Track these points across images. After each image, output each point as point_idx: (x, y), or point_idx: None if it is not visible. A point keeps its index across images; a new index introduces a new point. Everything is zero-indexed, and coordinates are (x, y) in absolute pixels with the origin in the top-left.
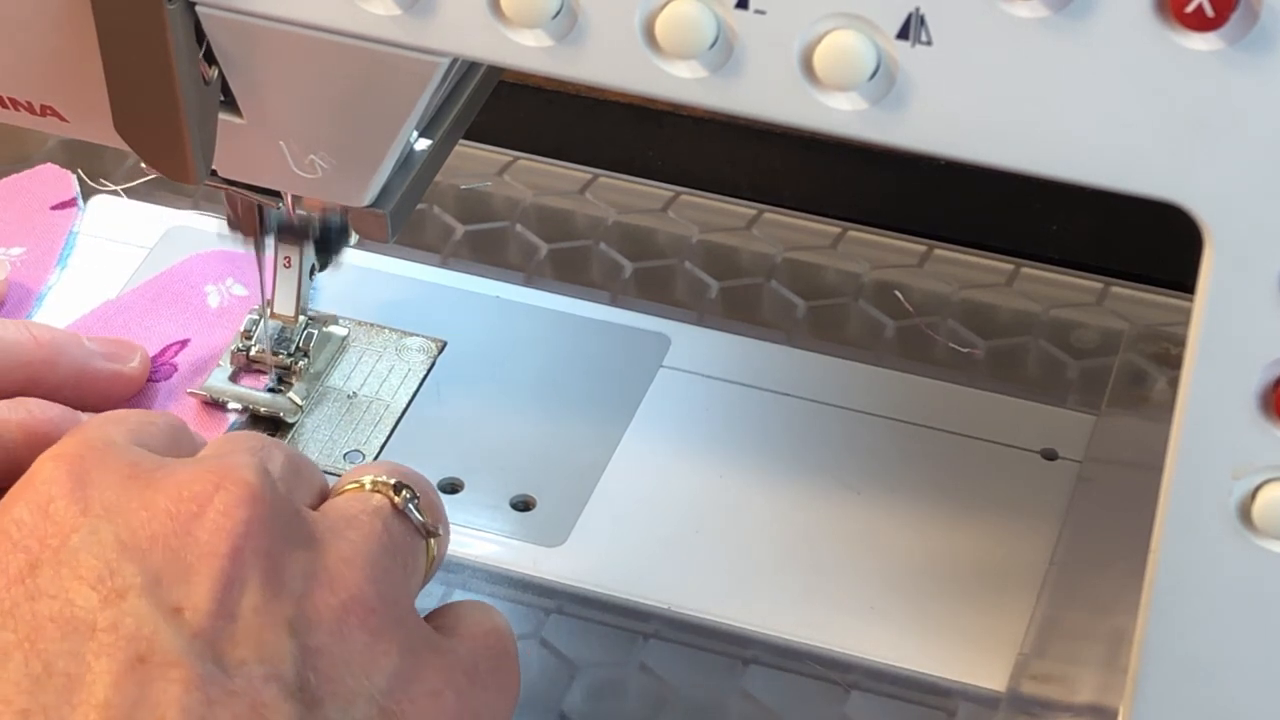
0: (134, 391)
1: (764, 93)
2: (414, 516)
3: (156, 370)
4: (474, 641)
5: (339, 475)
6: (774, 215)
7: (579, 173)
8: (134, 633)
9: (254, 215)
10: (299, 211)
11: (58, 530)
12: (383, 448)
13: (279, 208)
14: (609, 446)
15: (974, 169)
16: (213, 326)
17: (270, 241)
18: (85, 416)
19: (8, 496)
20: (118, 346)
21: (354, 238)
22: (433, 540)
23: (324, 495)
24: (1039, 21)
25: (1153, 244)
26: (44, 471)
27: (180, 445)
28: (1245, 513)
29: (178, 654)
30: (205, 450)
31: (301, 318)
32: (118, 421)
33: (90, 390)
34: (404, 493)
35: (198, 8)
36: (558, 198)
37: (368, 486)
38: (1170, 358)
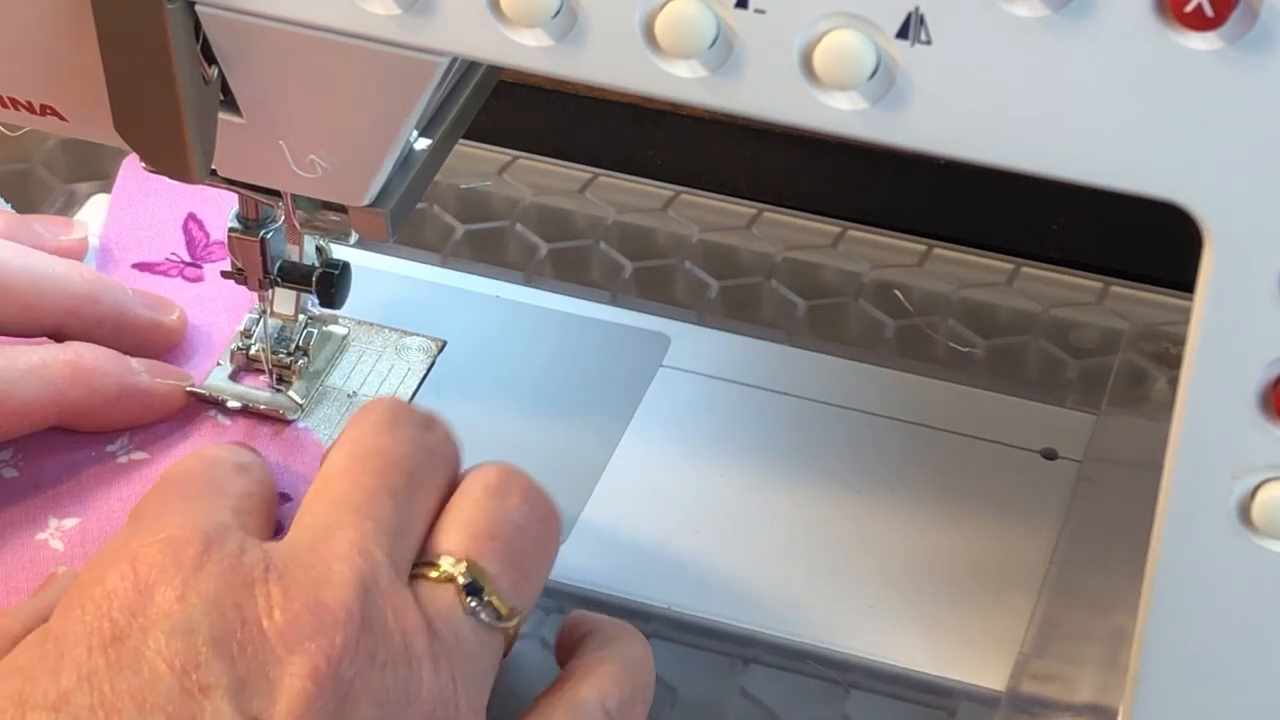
0: (171, 344)
1: (764, 92)
2: (483, 618)
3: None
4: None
5: None
6: (774, 215)
7: (579, 172)
8: None
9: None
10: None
11: (153, 611)
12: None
13: (277, 206)
14: (609, 446)
15: (974, 169)
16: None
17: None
18: (131, 361)
19: (102, 563)
20: (158, 300)
21: (354, 237)
22: (513, 620)
23: (438, 502)
24: (1039, 21)
25: (1153, 244)
26: (149, 555)
27: (272, 498)
28: (1245, 512)
29: None
30: (319, 501)
31: (301, 317)
32: (219, 491)
33: (129, 334)
34: (473, 598)
35: (198, 7)
36: (558, 197)
37: (443, 575)
38: (1170, 357)
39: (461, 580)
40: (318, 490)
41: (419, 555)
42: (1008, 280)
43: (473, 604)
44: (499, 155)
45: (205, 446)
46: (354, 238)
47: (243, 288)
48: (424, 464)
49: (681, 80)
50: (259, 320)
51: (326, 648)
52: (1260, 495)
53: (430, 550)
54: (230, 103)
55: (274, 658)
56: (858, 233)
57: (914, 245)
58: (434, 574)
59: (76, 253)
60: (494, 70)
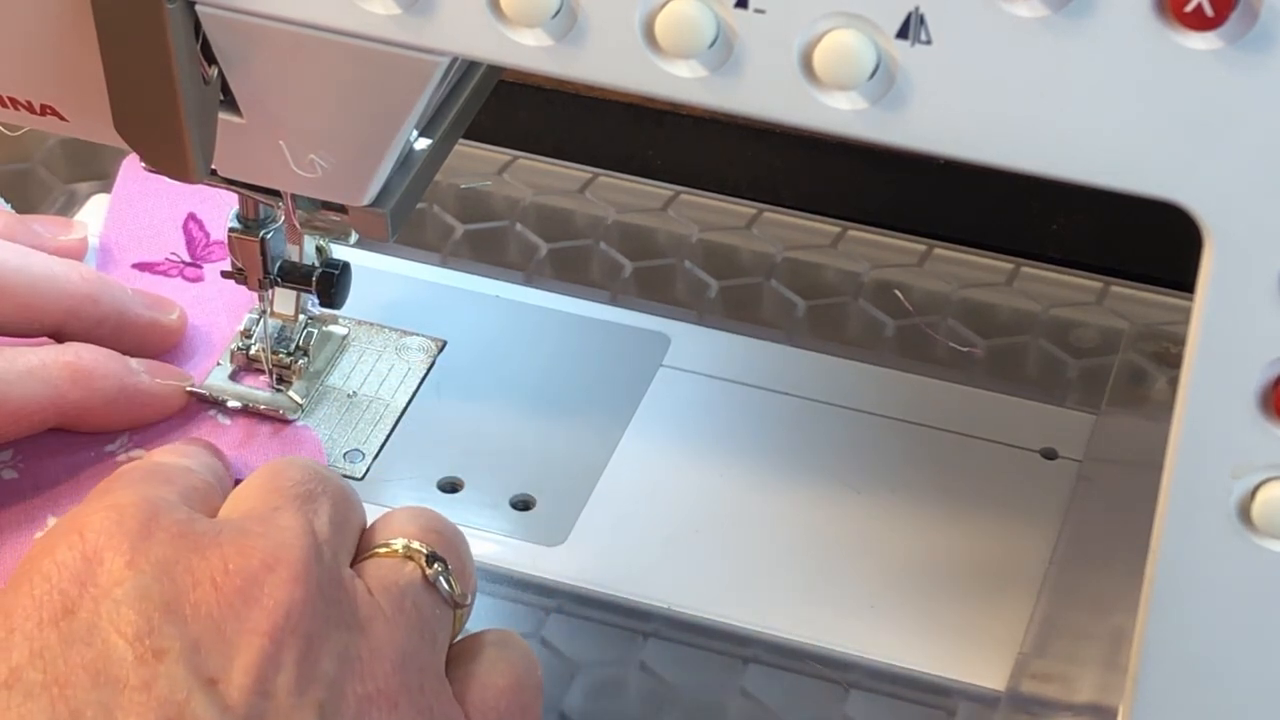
0: (172, 343)
1: (764, 92)
2: (443, 589)
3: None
4: (494, 705)
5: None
6: (774, 215)
7: (579, 172)
8: (166, 696)
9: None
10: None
11: (102, 580)
12: (382, 447)
13: (277, 206)
14: (609, 446)
15: (974, 169)
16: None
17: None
18: (130, 361)
19: (50, 537)
20: (158, 300)
21: (354, 237)
22: (460, 610)
23: (361, 530)
24: (1039, 21)
25: (1153, 244)
26: (95, 521)
27: (224, 492)
28: (1245, 512)
29: None
30: (251, 491)
31: (301, 317)
32: (165, 480)
33: (129, 334)
34: (436, 565)
35: (198, 7)
36: (558, 197)
37: (401, 551)
38: (1170, 357)
39: (424, 551)
40: (244, 488)
41: (361, 547)
42: (1008, 280)
43: (437, 570)
44: (499, 155)
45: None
46: (354, 238)
47: (243, 288)
48: (346, 497)
49: (681, 80)
50: (259, 320)
51: (286, 601)
52: (1260, 495)
53: (375, 540)
54: (230, 103)
55: (230, 614)
56: (858, 233)
57: (914, 245)
58: (385, 551)
59: (76, 253)
60: (494, 70)
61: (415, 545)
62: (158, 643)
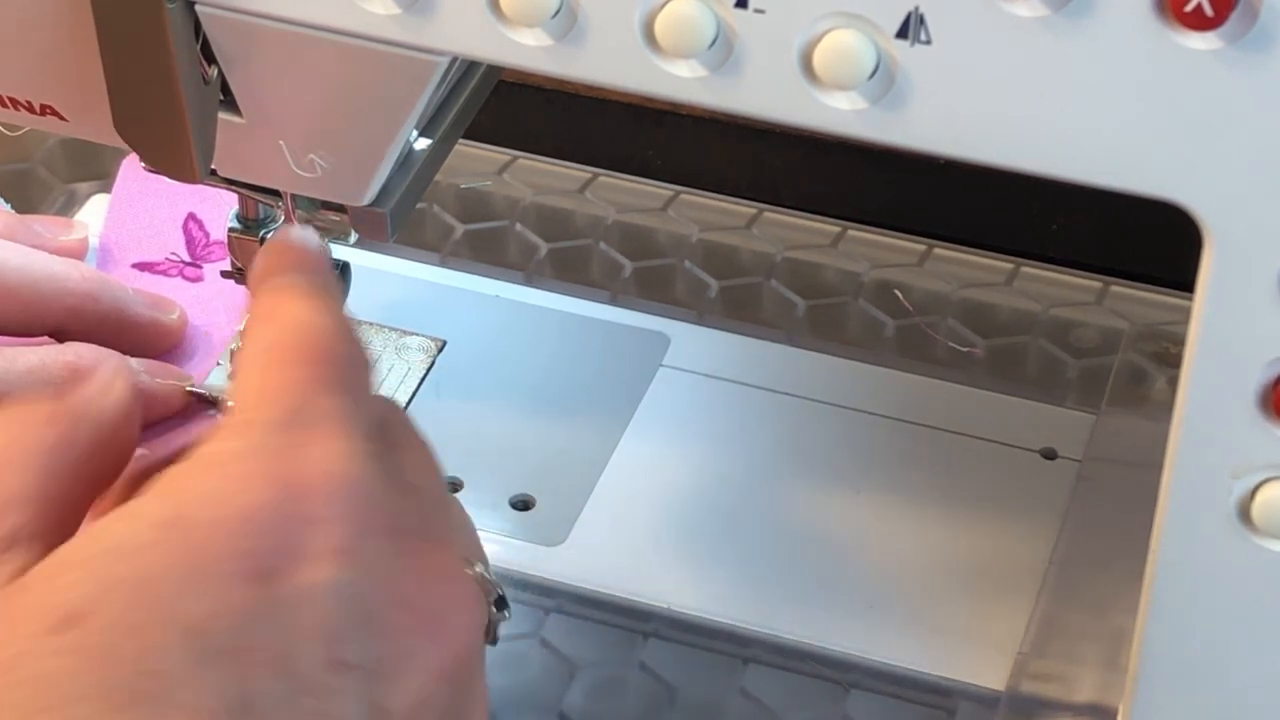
0: (172, 343)
1: (764, 92)
2: (495, 633)
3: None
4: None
5: None
6: (774, 215)
7: (579, 172)
8: (338, 715)
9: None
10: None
11: (308, 552)
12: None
13: (277, 206)
14: (609, 446)
15: (974, 169)
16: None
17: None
18: (132, 361)
19: (271, 451)
20: (158, 299)
21: (354, 237)
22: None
23: None
24: (1039, 21)
25: (1153, 244)
26: (330, 463)
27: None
28: (1245, 512)
29: None
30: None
31: None
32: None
33: (129, 334)
34: (505, 611)
35: (198, 7)
36: (558, 197)
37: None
38: (1170, 357)
39: (495, 595)
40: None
41: None
42: (1008, 280)
43: (505, 615)
44: (499, 155)
45: None
46: (354, 238)
47: (243, 288)
48: None
49: (681, 80)
50: None
51: (463, 648)
52: (1260, 495)
53: None
54: (230, 103)
55: (418, 644)
56: (858, 233)
57: (914, 245)
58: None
59: (76, 253)
60: (494, 70)
61: (491, 580)
62: (347, 654)
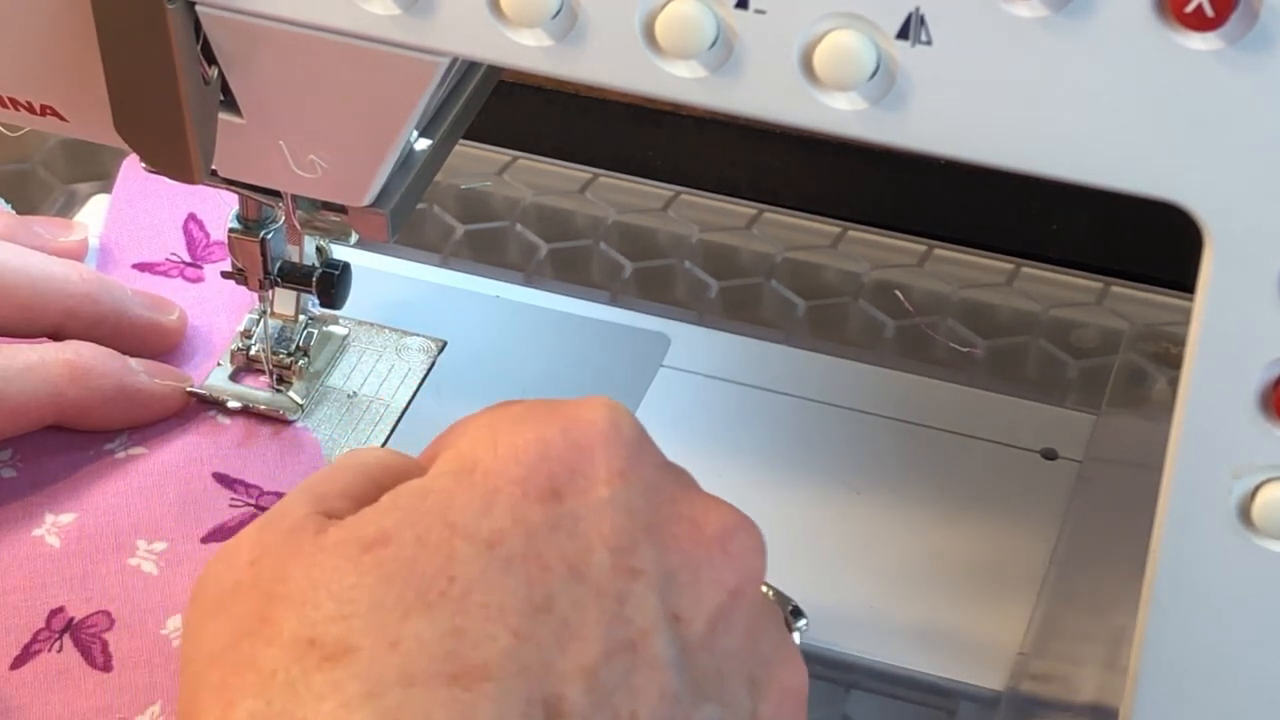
0: (172, 344)
1: (764, 93)
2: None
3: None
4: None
5: None
6: (774, 215)
7: (579, 172)
8: (634, 617)
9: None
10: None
11: (592, 475)
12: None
13: (277, 206)
14: None
15: (974, 169)
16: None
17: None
18: (130, 361)
19: (528, 410)
20: (158, 300)
21: (354, 237)
22: None
23: None
24: (1039, 21)
25: (1153, 244)
26: (589, 414)
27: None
28: (1245, 512)
29: (666, 661)
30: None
31: (301, 317)
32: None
33: (129, 334)
34: (803, 620)
35: (198, 7)
36: (558, 197)
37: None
38: (1170, 357)
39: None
40: None
41: None
42: (1008, 280)
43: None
44: (499, 155)
45: None
46: (354, 238)
47: (243, 288)
48: None
49: (681, 80)
50: (259, 320)
51: (754, 566)
52: (1260, 495)
53: None
54: (230, 103)
55: (705, 558)
56: (858, 233)
57: (914, 245)
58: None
59: (76, 253)
60: (494, 70)
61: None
62: (635, 561)
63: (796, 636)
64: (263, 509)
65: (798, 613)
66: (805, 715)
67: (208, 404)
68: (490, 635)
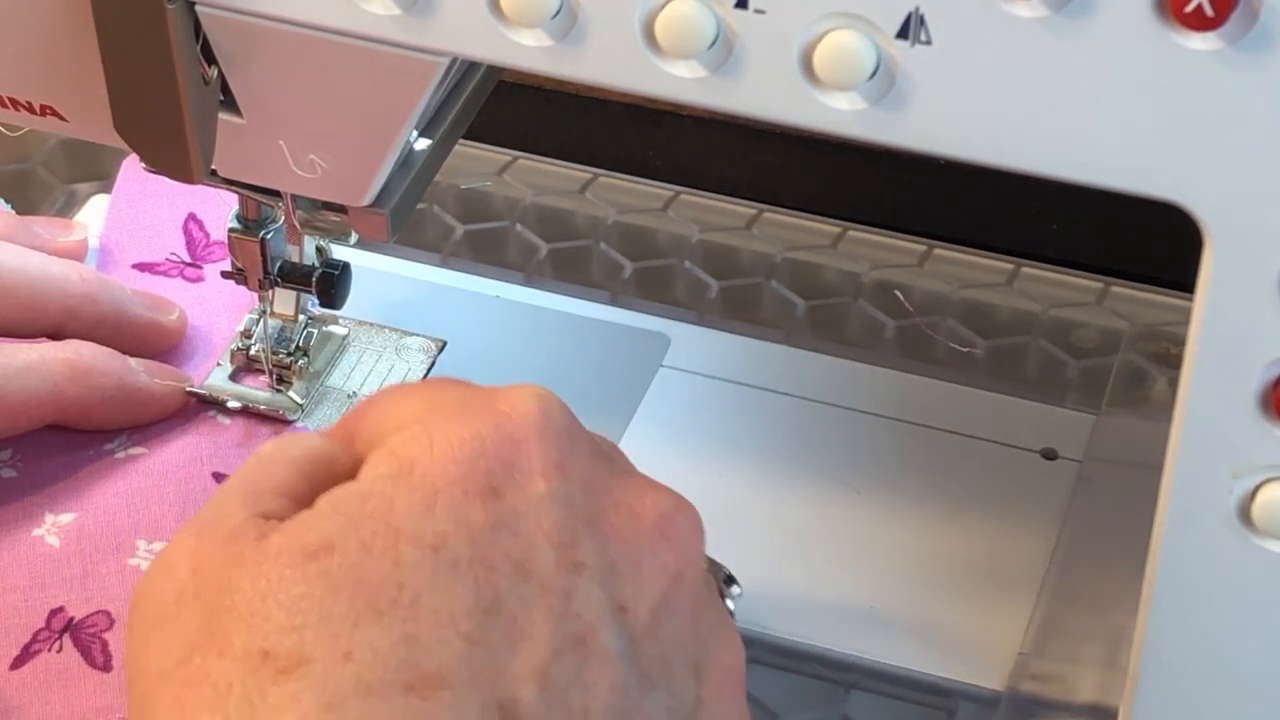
0: (171, 344)
1: (764, 93)
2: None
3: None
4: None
5: None
6: (774, 215)
7: (579, 172)
8: (580, 612)
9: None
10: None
11: (527, 469)
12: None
13: (277, 206)
14: None
15: (974, 169)
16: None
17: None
18: (130, 360)
19: (451, 410)
20: (158, 300)
21: (354, 237)
22: None
23: None
24: (1039, 21)
25: (1153, 244)
26: (521, 404)
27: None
28: (1245, 512)
29: (614, 654)
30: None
31: (301, 317)
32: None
33: (129, 334)
34: (735, 586)
35: (197, 7)
36: (558, 197)
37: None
38: (1170, 357)
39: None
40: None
41: None
42: (1008, 280)
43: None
44: (499, 155)
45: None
46: (354, 238)
47: (243, 288)
48: None
49: (681, 80)
50: (259, 320)
51: (694, 550)
52: (1260, 495)
53: None
54: (230, 103)
55: (646, 546)
56: (858, 233)
57: (914, 245)
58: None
59: (76, 253)
60: (494, 70)
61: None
62: (578, 555)
63: (730, 604)
64: None
65: (731, 580)
66: (744, 693)
67: (208, 404)
68: (442, 640)
